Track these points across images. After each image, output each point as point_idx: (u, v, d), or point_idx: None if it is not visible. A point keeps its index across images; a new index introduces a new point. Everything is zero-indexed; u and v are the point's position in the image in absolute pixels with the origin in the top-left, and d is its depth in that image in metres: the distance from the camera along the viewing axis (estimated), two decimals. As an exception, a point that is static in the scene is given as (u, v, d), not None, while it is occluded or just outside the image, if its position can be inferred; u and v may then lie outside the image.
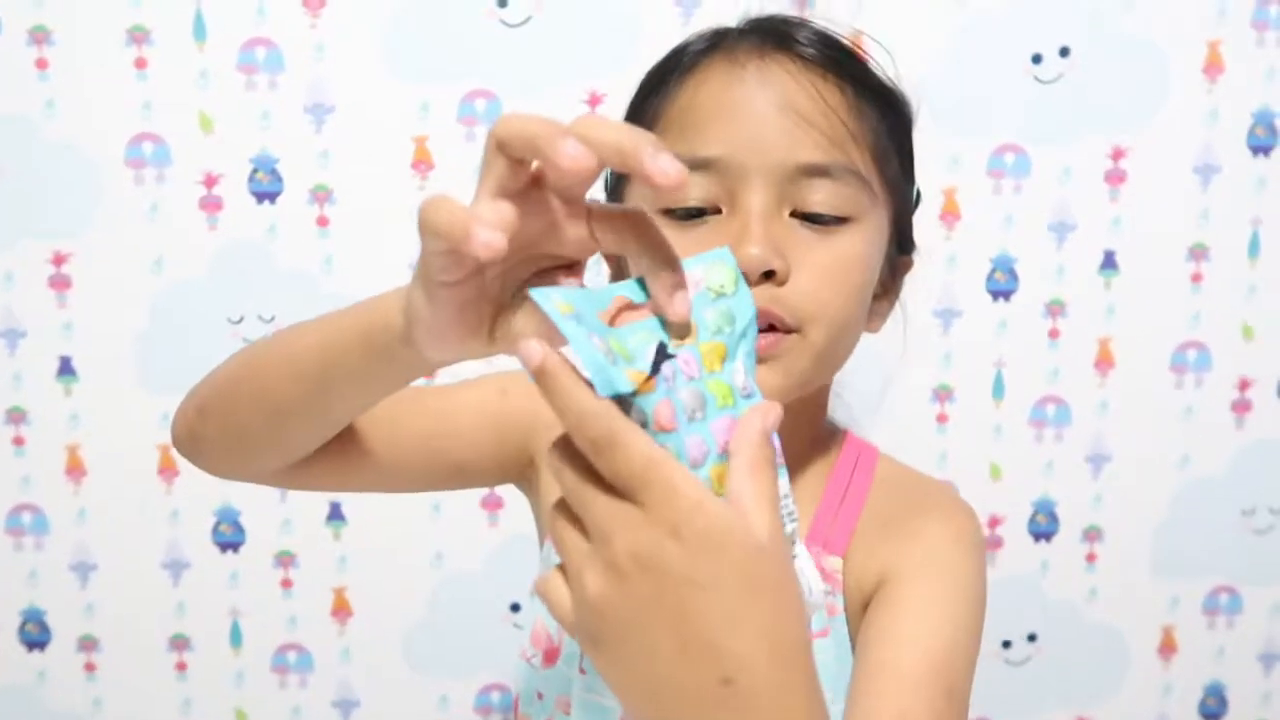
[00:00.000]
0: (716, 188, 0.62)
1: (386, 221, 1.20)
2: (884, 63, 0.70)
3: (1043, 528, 1.32)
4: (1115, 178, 1.25)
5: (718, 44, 0.66)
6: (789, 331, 0.62)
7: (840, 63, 0.64)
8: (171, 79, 1.19)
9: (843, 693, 0.65)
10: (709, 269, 0.44)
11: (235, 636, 1.30)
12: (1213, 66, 1.24)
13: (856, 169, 0.63)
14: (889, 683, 0.59)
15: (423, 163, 1.21)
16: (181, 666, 1.31)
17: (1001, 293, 1.27)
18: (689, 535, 0.39)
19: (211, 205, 1.22)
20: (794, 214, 0.62)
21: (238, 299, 1.24)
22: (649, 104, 0.67)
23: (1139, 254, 1.27)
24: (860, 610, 0.66)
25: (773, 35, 0.65)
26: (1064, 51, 1.22)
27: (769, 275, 0.60)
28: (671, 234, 0.62)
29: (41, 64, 1.19)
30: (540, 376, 0.39)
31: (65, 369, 1.25)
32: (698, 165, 0.61)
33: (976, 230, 1.25)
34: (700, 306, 0.43)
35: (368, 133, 1.21)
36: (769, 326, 0.61)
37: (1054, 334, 1.28)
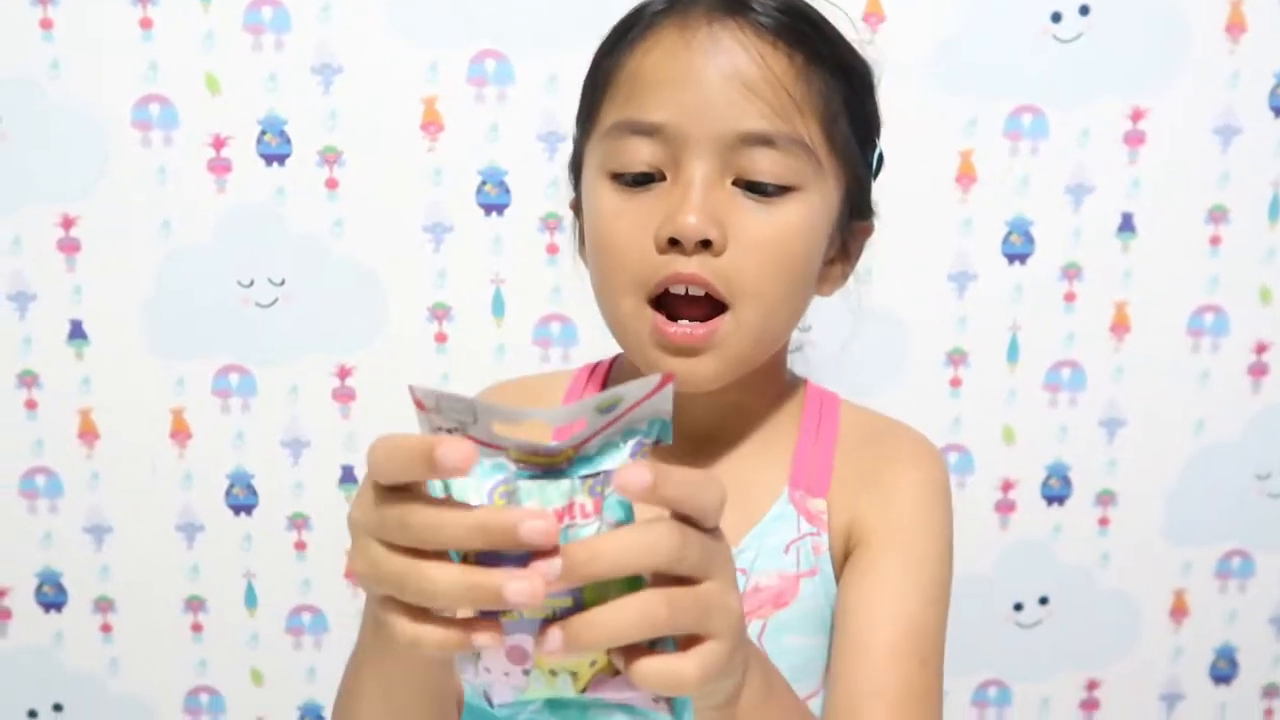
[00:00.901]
0: (662, 154, 0.63)
1: (396, 183, 1.19)
2: (848, 26, 0.68)
3: (1056, 492, 1.32)
4: (1134, 139, 1.23)
5: (674, 5, 0.66)
6: (724, 304, 0.62)
7: (792, 29, 0.64)
8: (177, 39, 1.18)
9: (829, 629, 0.68)
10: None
11: (250, 598, 1.31)
12: (1235, 26, 1.21)
13: (801, 139, 0.63)
14: (864, 660, 0.61)
15: (432, 124, 1.20)
16: (197, 628, 1.32)
17: (1017, 256, 1.26)
18: None
19: (220, 168, 1.21)
20: (736, 182, 0.63)
21: (247, 262, 1.23)
22: (605, 62, 0.68)
23: (1157, 217, 1.25)
24: (844, 552, 0.68)
25: None
26: (1084, 10, 1.20)
27: (706, 245, 0.61)
28: (620, 198, 0.64)
29: (46, 24, 1.17)
30: (659, 484, 0.37)
31: (76, 332, 1.25)
32: (644, 130, 0.63)
33: (992, 193, 1.23)
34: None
35: (376, 94, 1.20)
36: (704, 296, 0.62)
37: (1070, 297, 1.27)
